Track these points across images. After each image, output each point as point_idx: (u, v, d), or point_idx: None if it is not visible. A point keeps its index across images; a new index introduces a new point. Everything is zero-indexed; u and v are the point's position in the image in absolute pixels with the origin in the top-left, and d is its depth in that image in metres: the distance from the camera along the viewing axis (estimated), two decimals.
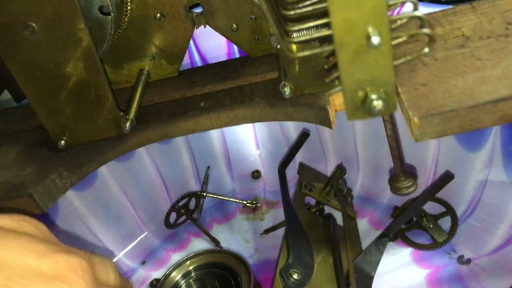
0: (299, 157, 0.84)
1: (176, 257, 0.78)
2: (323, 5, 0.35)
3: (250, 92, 0.53)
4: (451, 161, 0.66)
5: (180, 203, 0.81)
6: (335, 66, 0.36)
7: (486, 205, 0.65)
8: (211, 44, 0.78)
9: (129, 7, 0.53)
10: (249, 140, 0.89)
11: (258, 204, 0.83)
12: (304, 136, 0.69)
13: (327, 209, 0.75)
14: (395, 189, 0.50)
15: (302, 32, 0.36)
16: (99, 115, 0.51)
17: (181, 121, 0.53)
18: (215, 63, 0.61)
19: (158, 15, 0.55)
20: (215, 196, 0.83)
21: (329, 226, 0.69)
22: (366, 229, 0.74)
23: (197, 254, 0.68)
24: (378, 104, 0.31)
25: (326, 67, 0.35)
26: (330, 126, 0.48)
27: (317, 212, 0.73)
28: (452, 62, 0.47)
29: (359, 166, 0.79)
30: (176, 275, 0.67)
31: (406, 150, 0.71)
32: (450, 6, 0.55)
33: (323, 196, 0.74)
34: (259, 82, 0.54)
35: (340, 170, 0.72)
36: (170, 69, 0.59)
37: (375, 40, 0.28)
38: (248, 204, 0.83)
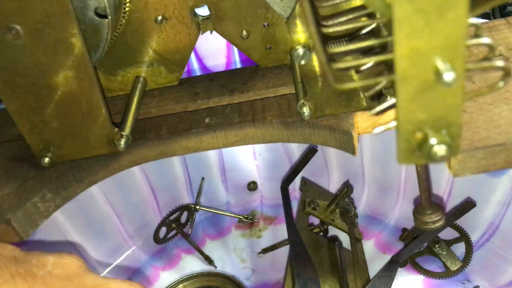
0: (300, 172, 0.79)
1: (165, 275, 0.72)
2: (383, 39, 0.30)
3: (262, 109, 0.47)
4: (469, 183, 0.62)
5: (171, 217, 0.75)
6: (381, 95, 0.30)
7: (504, 232, 0.61)
8: (210, 48, 0.72)
9: (127, 8, 0.47)
10: (246, 149, 0.84)
11: (255, 220, 0.77)
12: (311, 152, 0.64)
13: (331, 230, 0.70)
14: (420, 223, 0.45)
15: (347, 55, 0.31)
16: (90, 130, 0.45)
17: (183, 139, 0.47)
18: (220, 72, 0.55)
19: (160, 17, 0.49)
20: (209, 209, 0.77)
21: (335, 250, 0.64)
22: (373, 252, 0.69)
23: (190, 277, 0.63)
24: (440, 149, 0.25)
25: (366, 94, 0.29)
26: (353, 152, 0.43)
27: (321, 233, 0.68)
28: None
29: (364, 182, 0.74)
30: None
31: None
32: (483, 20, 0.50)
33: (327, 216, 0.69)
34: (271, 97, 0.48)
35: (347, 188, 0.67)
36: (169, 78, 0.53)
37: (449, 76, 0.23)
38: (244, 219, 0.77)
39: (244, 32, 0.50)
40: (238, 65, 0.75)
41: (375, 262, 0.66)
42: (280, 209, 0.79)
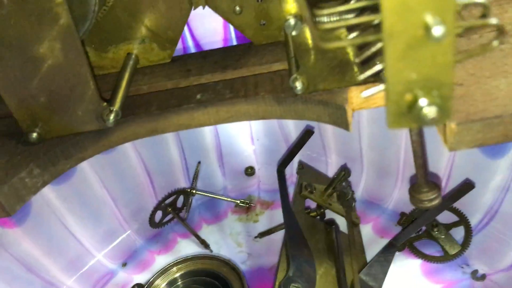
0: (297, 156, 0.78)
1: (160, 259, 0.71)
2: None
3: (254, 85, 0.46)
4: (469, 166, 0.60)
5: (167, 201, 0.74)
6: (370, 59, 0.29)
7: (504, 215, 0.59)
8: (206, 28, 0.70)
9: None
10: (244, 134, 0.83)
11: (252, 204, 0.76)
12: (307, 134, 0.63)
13: (328, 214, 0.69)
14: (416, 201, 0.44)
15: (334, 17, 0.30)
16: (78, 105, 0.44)
17: (173, 115, 0.46)
18: (214, 49, 0.54)
19: None
20: (205, 194, 0.76)
21: (331, 233, 0.63)
22: (370, 236, 0.68)
23: (185, 260, 0.62)
24: (430, 111, 0.24)
25: (357, 60, 0.28)
26: (347, 128, 0.42)
27: (318, 217, 0.67)
28: (490, 59, 0.40)
29: (363, 167, 0.73)
30: (161, 283, 0.61)
31: None
32: None
33: (324, 199, 0.67)
34: (264, 73, 0.47)
35: (345, 171, 0.66)
36: (162, 55, 0.52)
37: (438, 31, 0.21)
38: (241, 204, 0.76)
39: (237, 8, 0.49)
40: (234, 42, 0.73)
41: (373, 246, 0.65)
42: (277, 194, 0.78)
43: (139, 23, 0.50)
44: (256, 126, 0.81)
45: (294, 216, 0.59)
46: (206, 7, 0.49)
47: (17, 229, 0.64)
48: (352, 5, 0.26)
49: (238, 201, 0.76)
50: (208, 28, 0.70)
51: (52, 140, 0.45)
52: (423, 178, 0.43)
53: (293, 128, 0.77)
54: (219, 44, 0.72)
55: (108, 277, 0.71)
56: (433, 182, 0.44)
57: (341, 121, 0.42)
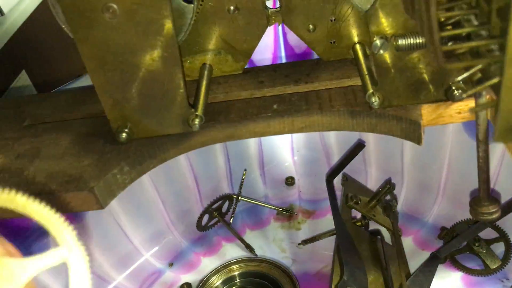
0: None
1: (206, 261, 0.74)
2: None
3: (328, 98, 0.49)
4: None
5: (214, 205, 0.77)
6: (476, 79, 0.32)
7: None
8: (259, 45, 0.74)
9: None
10: (285, 145, 0.86)
11: (294, 212, 0.79)
12: (359, 147, 0.66)
13: (371, 225, 0.72)
14: (476, 213, 0.47)
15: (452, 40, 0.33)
16: (168, 109, 0.47)
17: (251, 123, 0.49)
18: (282, 63, 0.58)
19: (232, 7, 0.51)
20: (250, 200, 0.79)
21: (376, 243, 0.66)
22: (411, 248, 0.71)
23: (236, 262, 0.65)
24: None
25: (460, 77, 0.31)
26: (419, 142, 0.45)
27: (363, 227, 0.70)
28: None
29: (403, 181, 0.76)
30: (216, 280, 0.64)
31: (459, 163, 0.69)
32: None
33: (368, 210, 0.71)
34: (336, 88, 0.51)
35: (390, 185, 0.69)
36: (235, 66, 0.56)
37: None
38: (283, 212, 0.79)
39: (311, 26, 0.53)
40: (284, 60, 0.77)
41: (414, 258, 0.68)
42: (318, 204, 0.81)
43: (217, 36, 0.53)
44: (297, 138, 0.85)
45: (345, 224, 0.62)
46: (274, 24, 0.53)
47: (77, 224, 0.67)
48: (475, 28, 0.30)
49: (281, 209, 0.79)
50: (260, 45, 0.74)
51: (139, 140, 0.49)
52: (485, 193, 0.46)
53: (334, 141, 0.80)
54: (269, 61, 0.75)
55: (156, 276, 0.74)
56: (493, 197, 0.47)
57: (413, 135, 0.45)
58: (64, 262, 0.14)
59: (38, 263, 0.14)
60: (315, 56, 0.80)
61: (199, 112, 0.48)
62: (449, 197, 0.72)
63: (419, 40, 0.40)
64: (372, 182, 0.79)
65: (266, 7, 0.52)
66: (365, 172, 0.80)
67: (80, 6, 0.41)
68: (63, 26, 0.46)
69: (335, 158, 0.81)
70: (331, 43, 0.54)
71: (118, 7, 0.41)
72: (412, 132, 0.45)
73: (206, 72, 0.54)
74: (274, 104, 0.50)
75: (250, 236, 0.77)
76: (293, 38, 0.77)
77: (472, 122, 0.41)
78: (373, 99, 0.45)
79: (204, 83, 0.52)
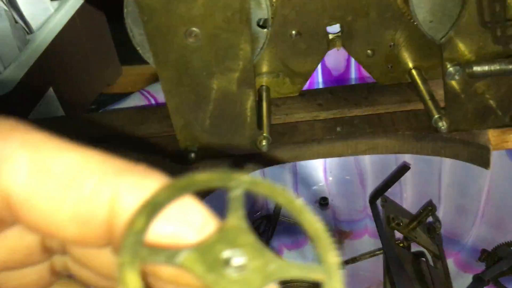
0: (370, 187, 0.82)
1: None
2: None
3: (391, 122, 0.51)
4: None
5: (253, 224, 0.78)
6: None
7: None
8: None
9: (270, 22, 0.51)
10: (319, 166, 0.87)
11: (331, 233, 0.80)
12: (404, 169, 0.67)
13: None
14: None
15: None
16: (238, 130, 0.48)
17: (316, 145, 0.50)
18: (337, 86, 0.59)
19: (294, 32, 0.53)
20: (288, 220, 0.80)
21: (420, 264, 0.66)
22: (452, 270, 0.71)
23: (286, 283, 0.65)
24: None
25: None
26: (487, 166, 0.46)
27: (405, 249, 0.70)
28: None
29: (440, 203, 0.77)
30: None
31: (500, 186, 0.70)
32: None
33: (410, 232, 0.71)
34: (397, 112, 0.52)
35: (431, 206, 0.70)
36: (292, 89, 0.57)
37: None
38: None
39: (369, 51, 0.54)
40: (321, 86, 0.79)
41: (457, 280, 0.69)
42: (354, 224, 0.82)
43: (278, 59, 0.54)
44: (330, 159, 0.86)
45: (392, 245, 0.63)
46: (340, 51, 0.54)
47: None
48: None
49: None
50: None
51: (206, 160, 0.49)
52: None
53: (368, 161, 0.82)
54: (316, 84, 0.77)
55: None
56: None
57: (481, 160, 0.46)
58: (320, 281, 0.15)
59: (298, 270, 0.15)
60: (352, 80, 0.82)
61: (266, 133, 0.49)
62: (489, 220, 0.73)
63: (493, 67, 0.42)
64: (408, 204, 0.80)
65: (327, 32, 0.54)
66: (400, 194, 0.81)
67: (163, 30, 0.42)
68: (138, 49, 0.47)
69: (369, 179, 0.82)
70: (388, 67, 0.55)
71: (201, 32, 0.42)
72: (480, 156, 0.46)
73: (265, 94, 0.55)
74: (337, 126, 0.51)
75: (288, 256, 0.78)
76: (330, 60, 0.79)
77: None
78: (440, 124, 0.46)
79: (265, 104, 0.53)
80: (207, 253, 0.14)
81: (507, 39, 0.35)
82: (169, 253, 0.14)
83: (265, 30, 0.47)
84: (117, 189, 0.16)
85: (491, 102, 0.45)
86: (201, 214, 0.16)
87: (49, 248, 0.19)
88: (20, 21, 0.94)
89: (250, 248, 0.15)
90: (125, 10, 0.44)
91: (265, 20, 0.46)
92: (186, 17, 0.41)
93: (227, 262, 0.14)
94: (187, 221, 0.16)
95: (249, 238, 0.15)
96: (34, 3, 0.94)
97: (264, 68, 0.55)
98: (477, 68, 0.42)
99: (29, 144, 0.16)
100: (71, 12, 1.00)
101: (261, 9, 0.46)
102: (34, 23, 0.96)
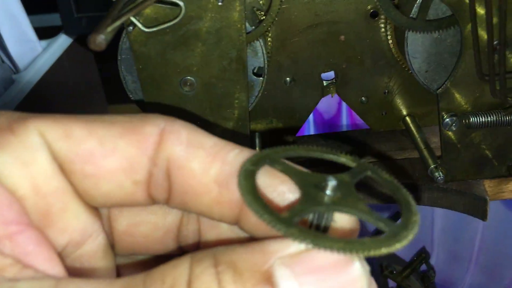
0: (367, 234, 0.81)
1: None
2: None
3: (386, 171, 0.50)
4: None
5: None
6: None
7: None
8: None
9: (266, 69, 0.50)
10: None
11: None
12: (397, 215, 0.66)
13: None
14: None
15: None
16: None
17: None
18: (331, 133, 0.58)
19: (289, 79, 0.52)
20: None
21: None
22: None
23: None
24: None
25: None
26: (483, 218, 0.45)
27: None
28: None
29: (433, 250, 0.76)
30: None
31: (493, 233, 0.69)
32: None
33: (403, 280, 0.70)
34: (392, 160, 0.51)
35: (424, 254, 0.69)
36: (285, 135, 0.56)
37: None
38: None
39: (364, 98, 0.54)
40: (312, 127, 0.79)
41: None
42: None
43: (271, 105, 0.54)
44: None
45: None
46: (335, 95, 0.54)
47: None
48: None
49: None
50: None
51: None
52: None
53: None
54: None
55: None
56: None
57: (477, 210, 0.46)
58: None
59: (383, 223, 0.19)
60: (344, 123, 0.82)
61: None
62: (483, 267, 0.72)
63: (490, 118, 0.42)
64: (401, 251, 0.79)
65: (322, 79, 0.53)
66: None
67: (158, 79, 0.41)
68: (130, 96, 0.46)
69: (365, 225, 0.81)
70: (382, 114, 0.55)
71: (196, 81, 0.41)
72: (477, 207, 0.45)
73: (258, 141, 0.54)
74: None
75: None
76: (322, 104, 0.79)
77: None
78: (437, 174, 0.46)
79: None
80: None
81: (506, 92, 0.35)
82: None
83: (260, 78, 0.46)
84: None
85: (488, 152, 0.45)
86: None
87: (183, 234, 0.23)
88: (6, 61, 0.93)
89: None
90: (119, 58, 0.43)
91: (260, 68, 0.46)
92: (182, 65, 0.41)
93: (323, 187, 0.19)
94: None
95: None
96: (22, 42, 0.94)
97: (258, 114, 0.55)
98: (474, 119, 0.41)
99: (187, 127, 0.22)
100: (59, 51, 0.99)
101: (257, 57, 0.45)
102: (21, 62, 0.95)
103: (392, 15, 0.42)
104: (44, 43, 0.99)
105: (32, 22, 0.94)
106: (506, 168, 0.46)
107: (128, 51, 0.42)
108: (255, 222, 0.20)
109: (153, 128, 0.21)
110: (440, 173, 0.46)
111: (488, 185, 0.47)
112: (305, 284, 0.17)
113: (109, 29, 0.29)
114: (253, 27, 0.42)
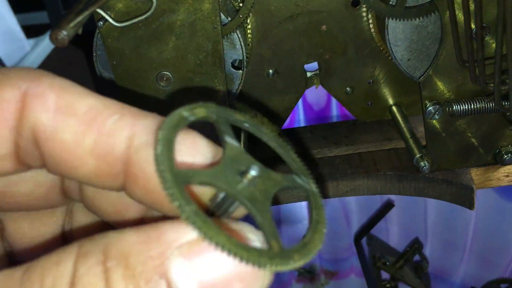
0: (355, 223, 0.81)
1: None
2: None
3: (372, 162, 0.49)
4: None
5: None
6: None
7: None
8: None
9: (246, 62, 0.50)
10: (302, 203, 0.85)
11: (316, 273, 0.78)
12: (389, 206, 0.66)
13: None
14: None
15: None
16: None
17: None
18: (317, 125, 0.57)
19: (271, 71, 0.51)
20: None
21: None
22: None
23: None
24: None
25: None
26: (471, 207, 0.45)
27: None
28: None
29: (427, 240, 0.76)
30: None
31: (486, 220, 0.69)
32: None
33: (396, 271, 0.69)
34: (379, 151, 0.51)
35: (418, 244, 0.68)
36: (270, 129, 0.55)
37: None
38: (305, 272, 0.77)
39: (348, 88, 0.53)
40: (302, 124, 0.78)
41: None
42: (340, 264, 0.80)
43: (255, 99, 0.53)
44: None
45: (379, 286, 0.61)
46: (320, 87, 0.53)
47: None
48: None
49: (302, 270, 0.77)
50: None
51: None
52: None
53: (352, 198, 0.80)
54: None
55: None
56: None
57: (464, 200, 0.45)
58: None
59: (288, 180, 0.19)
60: (334, 114, 0.81)
61: None
62: (477, 255, 0.71)
63: (473, 105, 0.41)
64: (394, 241, 0.78)
65: (305, 70, 0.52)
66: (386, 230, 0.79)
67: (134, 74, 0.40)
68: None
69: (354, 216, 0.81)
70: (367, 104, 0.54)
71: (172, 76, 0.41)
72: (464, 196, 0.45)
73: (243, 136, 0.53)
74: (316, 167, 0.50)
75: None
76: (311, 96, 0.78)
77: None
78: (422, 164, 0.45)
79: (242, 146, 0.51)
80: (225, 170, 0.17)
81: (486, 78, 0.34)
82: (194, 173, 0.16)
83: (240, 71, 0.45)
84: (134, 128, 0.18)
85: (473, 140, 0.44)
86: (208, 145, 0.19)
87: (67, 190, 0.21)
88: None
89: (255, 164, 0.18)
90: (94, 54, 0.43)
91: (240, 61, 0.45)
92: (157, 60, 0.40)
93: (243, 173, 0.17)
94: (199, 151, 0.18)
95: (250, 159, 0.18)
96: (10, 41, 0.93)
97: (240, 109, 0.54)
98: (457, 107, 0.41)
99: (56, 86, 0.18)
100: (48, 50, 0.98)
101: (236, 49, 0.45)
102: (9, 61, 0.94)
103: (370, 2, 0.41)
104: (31, 41, 0.98)
105: (19, 20, 0.93)
106: (492, 155, 0.45)
107: (103, 47, 0.41)
108: (143, 193, 0.18)
109: (12, 92, 0.18)
110: (426, 162, 0.45)
111: (475, 174, 0.46)
112: (206, 284, 0.15)
113: (72, 24, 0.28)
114: (229, 19, 0.41)
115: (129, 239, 0.16)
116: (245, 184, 0.17)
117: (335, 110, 0.77)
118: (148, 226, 0.16)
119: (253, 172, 0.17)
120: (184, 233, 0.15)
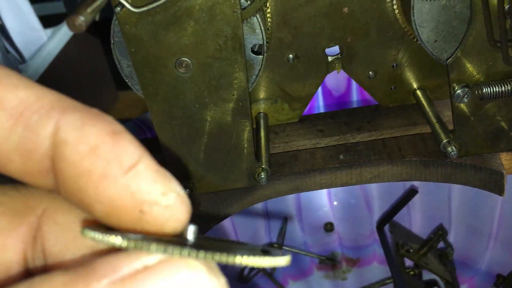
0: (376, 211, 0.79)
1: None
2: None
3: (397, 147, 0.48)
4: None
5: None
6: None
7: None
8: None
9: (265, 47, 0.48)
10: (323, 190, 0.84)
11: (337, 261, 0.77)
12: (412, 193, 0.64)
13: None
14: None
15: None
16: (234, 163, 0.45)
17: (318, 174, 0.47)
18: (339, 110, 0.56)
19: (292, 56, 0.50)
20: (292, 249, 0.77)
21: None
22: None
23: None
24: None
25: None
26: (500, 193, 0.43)
27: (416, 277, 0.67)
28: None
29: (451, 226, 0.74)
30: None
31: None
32: None
33: (420, 259, 0.68)
34: (403, 136, 0.49)
35: (442, 231, 0.67)
36: (291, 115, 0.54)
37: None
38: (326, 260, 0.77)
39: (371, 72, 0.51)
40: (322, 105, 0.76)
41: None
42: (362, 251, 0.79)
43: (275, 84, 0.52)
44: None
45: (402, 275, 0.60)
46: (340, 72, 0.52)
47: None
48: None
49: (324, 257, 0.77)
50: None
51: (200, 195, 0.47)
52: None
53: (374, 185, 0.78)
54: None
55: None
56: None
57: (494, 185, 0.43)
58: None
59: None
60: (354, 99, 0.79)
61: (264, 165, 0.46)
62: (503, 242, 0.69)
63: (503, 88, 0.39)
64: (417, 228, 0.77)
65: (326, 55, 0.51)
66: (409, 218, 0.78)
67: (152, 61, 0.39)
68: (127, 81, 0.44)
69: (375, 202, 0.79)
70: (391, 89, 0.53)
71: (191, 62, 0.40)
72: (493, 182, 0.43)
73: (263, 122, 0.52)
74: (340, 154, 0.49)
75: (294, 287, 0.74)
76: (331, 81, 0.76)
77: None
78: (449, 149, 0.43)
79: (263, 133, 0.50)
80: None
81: None
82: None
83: (260, 56, 0.44)
84: (59, 123, 0.16)
85: (503, 124, 0.43)
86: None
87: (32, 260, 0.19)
88: (12, 51, 0.92)
89: None
90: (112, 41, 0.42)
91: (260, 46, 0.43)
92: (175, 46, 0.39)
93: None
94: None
95: None
96: (27, 31, 0.92)
97: (261, 94, 0.53)
98: (487, 89, 0.39)
99: None
100: (65, 39, 0.98)
101: (255, 34, 0.43)
102: (27, 52, 0.94)
103: None
104: (49, 31, 0.98)
105: (35, 10, 0.93)
106: None
107: (120, 34, 0.40)
108: (72, 192, 0.17)
109: None
110: (453, 147, 0.44)
111: (505, 158, 0.44)
112: None
113: (89, 9, 0.27)
114: (249, 2, 0.40)
115: (56, 279, 0.14)
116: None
117: (355, 95, 0.76)
118: (80, 264, 0.15)
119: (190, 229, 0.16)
120: (120, 264, 0.14)
